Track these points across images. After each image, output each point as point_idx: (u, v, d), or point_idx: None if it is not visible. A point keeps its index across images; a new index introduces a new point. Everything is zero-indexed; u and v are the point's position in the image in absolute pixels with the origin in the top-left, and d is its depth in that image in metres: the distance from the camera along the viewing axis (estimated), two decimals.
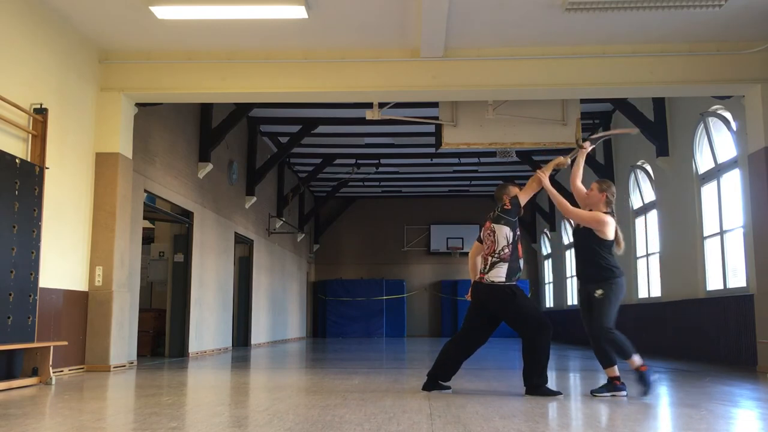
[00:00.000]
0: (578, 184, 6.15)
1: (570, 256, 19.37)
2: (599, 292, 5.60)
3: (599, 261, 5.66)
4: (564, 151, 17.08)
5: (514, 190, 5.92)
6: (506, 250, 5.72)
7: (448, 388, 5.96)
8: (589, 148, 6.22)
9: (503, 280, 5.71)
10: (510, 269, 5.72)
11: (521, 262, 5.84)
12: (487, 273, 5.77)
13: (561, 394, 5.64)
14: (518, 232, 5.82)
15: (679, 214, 11.41)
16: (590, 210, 5.85)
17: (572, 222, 6.04)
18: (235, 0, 7.40)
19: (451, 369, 5.99)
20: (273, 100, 10.32)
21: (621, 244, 5.75)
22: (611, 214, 5.79)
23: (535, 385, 5.65)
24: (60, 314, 7.73)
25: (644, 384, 5.52)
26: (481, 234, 6.00)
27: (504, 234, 5.74)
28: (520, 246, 5.83)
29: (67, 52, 8.01)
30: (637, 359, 5.53)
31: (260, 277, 16.69)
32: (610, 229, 5.70)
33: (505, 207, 5.80)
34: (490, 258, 5.78)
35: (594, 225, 5.69)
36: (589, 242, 5.73)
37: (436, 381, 5.96)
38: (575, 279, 6.03)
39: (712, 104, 10.09)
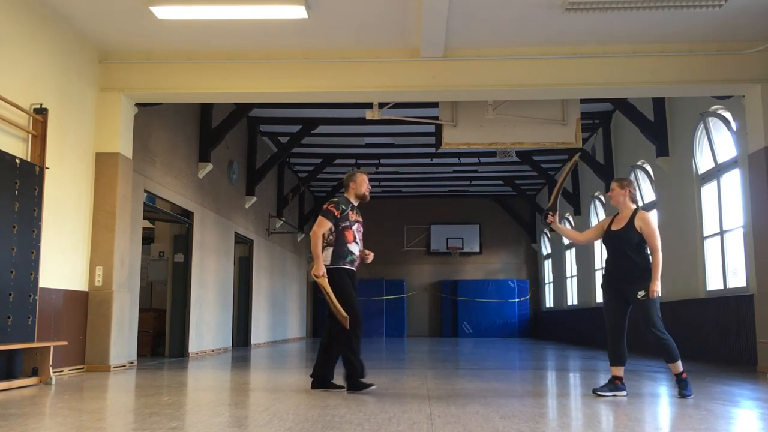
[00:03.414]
0: (577, 236, 6.39)
1: (570, 256, 19.37)
2: (641, 293, 5.58)
3: (640, 261, 5.67)
4: (564, 151, 16.95)
5: (354, 188, 6.23)
6: (331, 237, 5.96)
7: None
8: (555, 218, 6.19)
9: (329, 262, 5.90)
10: (335, 252, 5.92)
11: (350, 246, 5.96)
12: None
13: (374, 385, 5.82)
14: (347, 223, 5.96)
15: (679, 214, 11.41)
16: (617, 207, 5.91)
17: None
18: (235, 0, 7.40)
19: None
20: (273, 100, 10.32)
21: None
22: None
23: (350, 378, 5.83)
24: (60, 314, 7.73)
25: (682, 388, 5.59)
26: None
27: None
28: (349, 232, 5.96)
29: (67, 52, 8.01)
30: (680, 365, 5.63)
31: (260, 277, 16.69)
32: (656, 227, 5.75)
33: (328, 207, 5.99)
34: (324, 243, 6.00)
35: (653, 232, 5.65)
36: (627, 244, 5.69)
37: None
38: (602, 279, 6.00)
39: (712, 104, 10.09)
